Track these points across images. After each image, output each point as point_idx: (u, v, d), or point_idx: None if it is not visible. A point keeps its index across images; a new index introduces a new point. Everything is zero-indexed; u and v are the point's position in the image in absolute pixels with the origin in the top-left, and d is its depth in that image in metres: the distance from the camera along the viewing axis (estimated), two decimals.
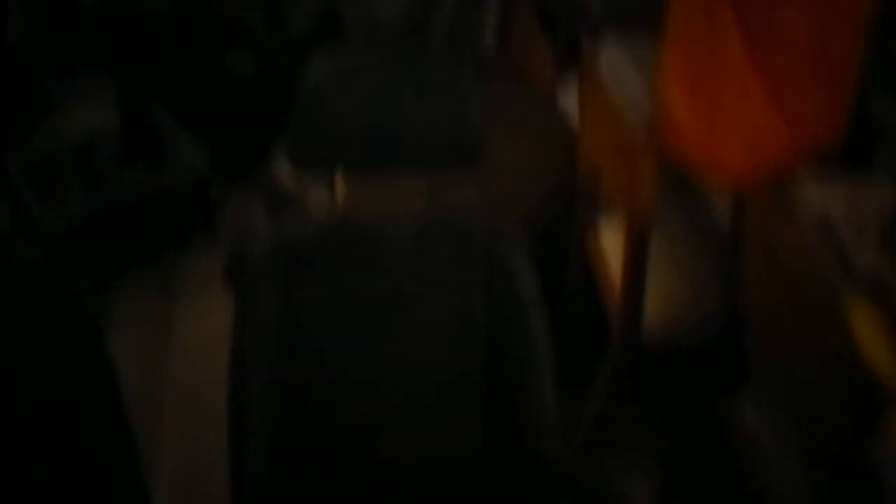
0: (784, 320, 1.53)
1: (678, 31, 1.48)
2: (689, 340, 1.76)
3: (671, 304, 1.78)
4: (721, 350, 1.70)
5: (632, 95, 1.63)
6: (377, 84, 1.35)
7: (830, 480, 1.45)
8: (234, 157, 2.76)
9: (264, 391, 1.37)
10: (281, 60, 2.84)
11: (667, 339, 1.74)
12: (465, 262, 1.39)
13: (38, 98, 2.59)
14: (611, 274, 1.83)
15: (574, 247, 2.00)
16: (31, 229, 2.28)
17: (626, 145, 1.60)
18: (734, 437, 1.63)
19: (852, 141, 1.40)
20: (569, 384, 1.45)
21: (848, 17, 1.35)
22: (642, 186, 1.53)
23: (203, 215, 2.72)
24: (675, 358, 1.77)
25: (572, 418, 1.59)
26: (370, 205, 1.43)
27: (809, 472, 1.49)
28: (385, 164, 1.36)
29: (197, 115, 2.77)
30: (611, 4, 2.02)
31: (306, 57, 1.70)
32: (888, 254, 1.34)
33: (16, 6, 2.51)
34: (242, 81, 2.87)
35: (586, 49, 1.92)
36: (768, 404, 1.59)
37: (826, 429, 1.44)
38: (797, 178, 1.45)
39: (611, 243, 1.90)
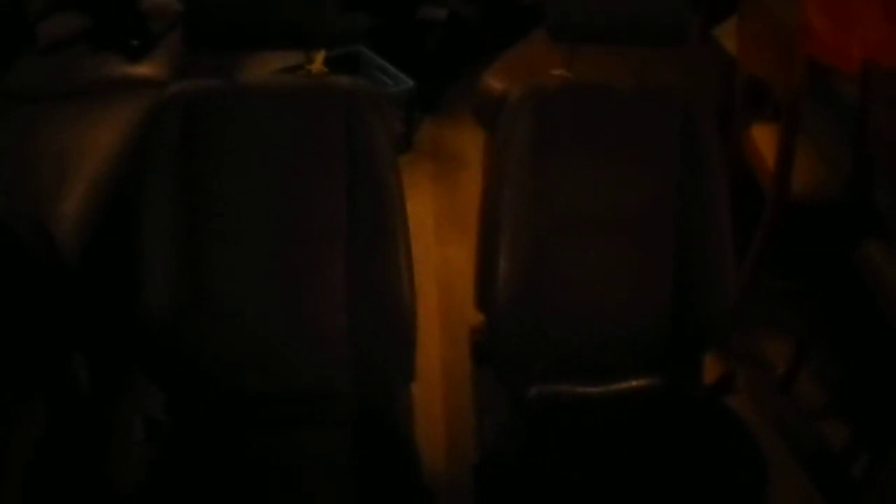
0: None
1: None
2: (827, 198, 2.28)
3: (811, 170, 2.31)
4: (853, 207, 2.20)
5: (786, 10, 2.19)
6: None
7: None
8: None
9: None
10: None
11: (809, 197, 2.28)
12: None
13: None
14: (763, 156, 2.40)
15: (729, 149, 2.49)
16: None
17: (783, 48, 2.13)
18: (864, 275, 2.12)
19: None
20: None
21: None
22: (796, 76, 2.09)
23: None
24: (816, 212, 2.27)
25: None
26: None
27: None
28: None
29: None
30: None
31: None
32: None
33: None
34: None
35: None
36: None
37: None
38: None
39: (761, 135, 2.46)
